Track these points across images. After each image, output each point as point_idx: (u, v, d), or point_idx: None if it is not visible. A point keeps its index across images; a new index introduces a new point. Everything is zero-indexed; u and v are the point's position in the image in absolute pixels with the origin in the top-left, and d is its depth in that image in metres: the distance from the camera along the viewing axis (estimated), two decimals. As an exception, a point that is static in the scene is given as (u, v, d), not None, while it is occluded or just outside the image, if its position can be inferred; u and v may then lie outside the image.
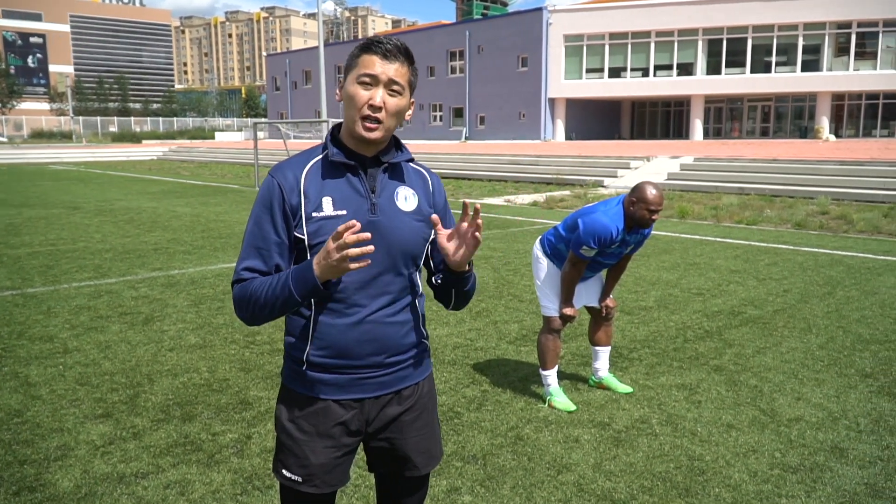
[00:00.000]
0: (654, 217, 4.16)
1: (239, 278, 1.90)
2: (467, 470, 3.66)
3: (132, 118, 79.06)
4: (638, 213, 4.16)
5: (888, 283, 7.96)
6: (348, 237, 1.67)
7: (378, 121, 1.85)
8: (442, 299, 2.08)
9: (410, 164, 2.04)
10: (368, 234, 1.69)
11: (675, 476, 3.59)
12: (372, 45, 1.86)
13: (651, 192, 4.11)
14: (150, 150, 46.01)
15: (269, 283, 1.84)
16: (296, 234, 1.88)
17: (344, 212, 1.88)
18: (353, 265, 1.71)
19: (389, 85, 1.86)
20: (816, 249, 10.25)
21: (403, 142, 2.04)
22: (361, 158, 1.93)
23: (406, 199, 1.97)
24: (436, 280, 2.07)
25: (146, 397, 4.61)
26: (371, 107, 1.84)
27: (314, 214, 1.87)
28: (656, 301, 7.20)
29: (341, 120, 1.97)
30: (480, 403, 4.55)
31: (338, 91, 1.94)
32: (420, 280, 2.08)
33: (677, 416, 4.35)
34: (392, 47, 1.86)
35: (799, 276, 8.40)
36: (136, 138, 62.32)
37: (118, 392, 4.70)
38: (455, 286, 2.00)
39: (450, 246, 1.90)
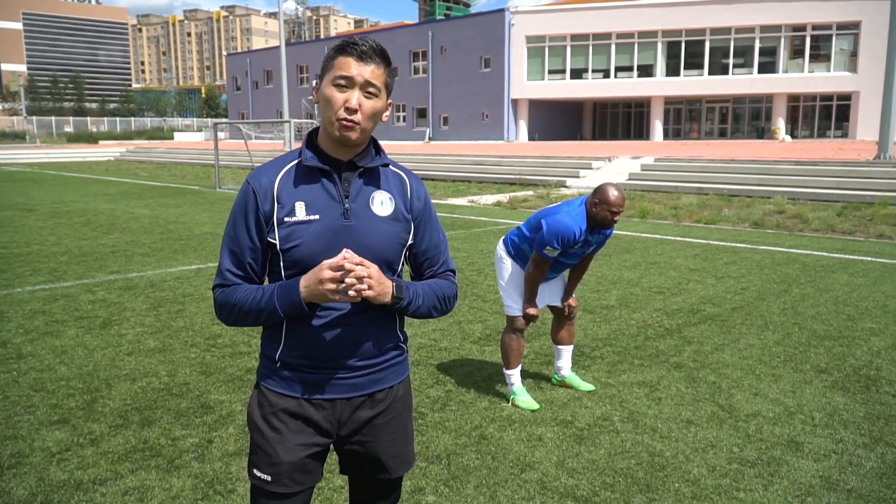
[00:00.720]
0: (615, 218, 4.21)
1: (220, 283, 1.94)
2: (431, 470, 3.66)
3: (88, 118, 77.52)
4: (600, 214, 4.21)
5: (841, 280, 8.16)
6: (350, 280, 1.75)
7: (354, 122, 1.84)
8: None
9: (390, 167, 2.02)
10: (366, 273, 1.77)
11: (636, 472, 3.64)
12: (347, 47, 1.84)
13: (613, 194, 4.16)
14: (107, 151, 45.18)
15: (255, 295, 1.88)
16: (268, 238, 1.90)
17: (317, 216, 1.87)
18: (348, 296, 1.78)
19: (365, 87, 1.84)
20: (773, 248, 10.47)
21: None
22: (337, 163, 1.92)
23: (382, 203, 1.95)
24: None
25: (104, 403, 4.52)
26: (347, 109, 1.82)
27: (286, 219, 1.87)
28: (618, 300, 7.29)
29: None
30: (444, 403, 4.55)
31: (314, 93, 1.93)
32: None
33: (638, 412, 4.41)
34: (367, 48, 1.84)
35: (756, 274, 8.56)
36: (92, 139, 61.14)
37: (75, 398, 4.60)
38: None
39: None
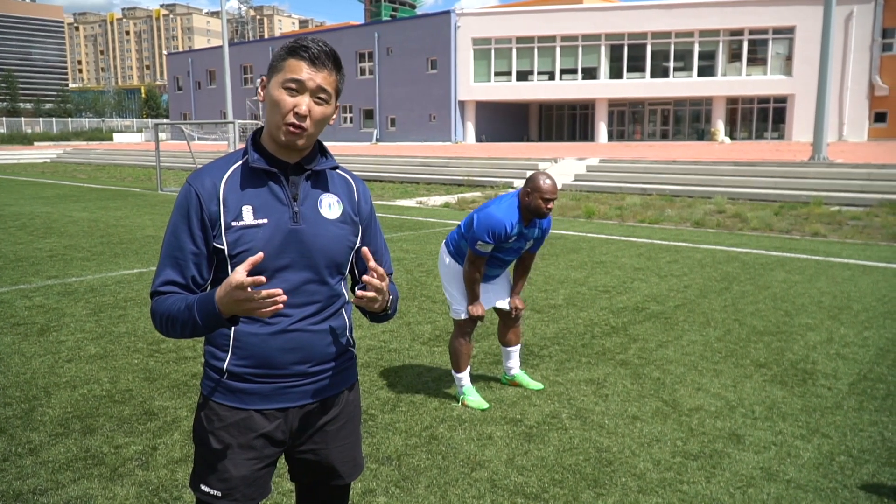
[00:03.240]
0: (548, 206, 4.21)
1: (156, 291, 1.83)
2: (382, 471, 3.65)
3: (22, 118, 74.90)
4: (533, 203, 4.20)
5: (779, 277, 8.42)
6: (260, 294, 1.60)
7: (302, 128, 1.80)
8: (363, 312, 2.06)
9: (336, 170, 2.00)
10: (280, 291, 1.63)
11: (584, 468, 3.70)
12: (299, 49, 1.78)
13: (544, 182, 4.18)
14: (43, 153, 43.74)
15: (178, 306, 1.76)
16: (215, 244, 1.82)
17: (265, 220, 1.82)
18: (267, 311, 1.64)
19: (316, 92, 1.79)
20: (714, 247, 10.74)
21: None
22: (283, 165, 1.87)
23: (330, 206, 1.92)
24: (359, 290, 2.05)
25: (43, 411, 4.39)
26: (296, 114, 1.78)
27: (234, 223, 1.80)
28: (565, 299, 7.38)
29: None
30: (394, 405, 4.55)
31: (260, 91, 1.88)
32: (347, 288, 2.05)
33: (586, 409, 4.47)
34: (320, 52, 1.79)
35: (698, 272, 8.78)
36: (27, 140, 59.08)
37: (12, 406, 4.45)
38: (373, 318, 2.01)
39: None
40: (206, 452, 1.91)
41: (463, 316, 4.54)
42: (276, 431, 1.92)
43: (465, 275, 4.42)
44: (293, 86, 1.78)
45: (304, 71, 1.78)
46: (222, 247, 1.81)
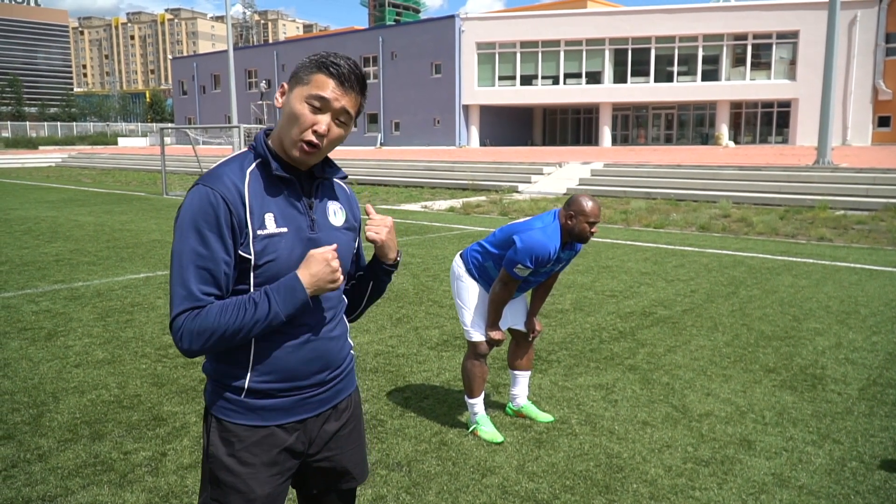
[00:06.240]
0: (593, 230, 3.90)
1: (191, 307, 1.69)
2: (392, 477, 3.64)
3: (27, 123, 75.09)
4: (577, 226, 3.88)
5: (786, 282, 8.40)
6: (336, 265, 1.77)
7: (318, 146, 1.76)
8: (353, 303, 2.12)
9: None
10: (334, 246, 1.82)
11: (595, 474, 3.68)
12: (330, 66, 1.74)
13: (588, 204, 3.86)
14: (47, 157, 43.86)
15: (239, 305, 1.70)
16: (240, 252, 1.74)
17: (285, 229, 1.78)
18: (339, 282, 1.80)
19: (339, 114, 1.76)
20: (720, 251, 10.71)
21: None
22: (297, 172, 1.85)
23: (335, 213, 1.93)
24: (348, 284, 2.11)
25: (51, 417, 4.39)
26: (315, 132, 1.74)
27: (259, 231, 1.75)
28: (572, 304, 7.36)
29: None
30: (403, 410, 4.54)
31: (278, 96, 1.83)
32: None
33: (595, 415, 4.46)
34: (350, 73, 1.75)
35: (704, 276, 8.75)
36: (32, 144, 59.24)
37: (20, 412, 4.45)
38: (377, 281, 2.08)
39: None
40: (226, 476, 1.84)
41: (477, 339, 4.20)
42: (297, 443, 1.91)
43: (493, 296, 4.07)
44: (317, 103, 1.74)
45: (331, 89, 1.74)
46: (249, 256, 1.74)
